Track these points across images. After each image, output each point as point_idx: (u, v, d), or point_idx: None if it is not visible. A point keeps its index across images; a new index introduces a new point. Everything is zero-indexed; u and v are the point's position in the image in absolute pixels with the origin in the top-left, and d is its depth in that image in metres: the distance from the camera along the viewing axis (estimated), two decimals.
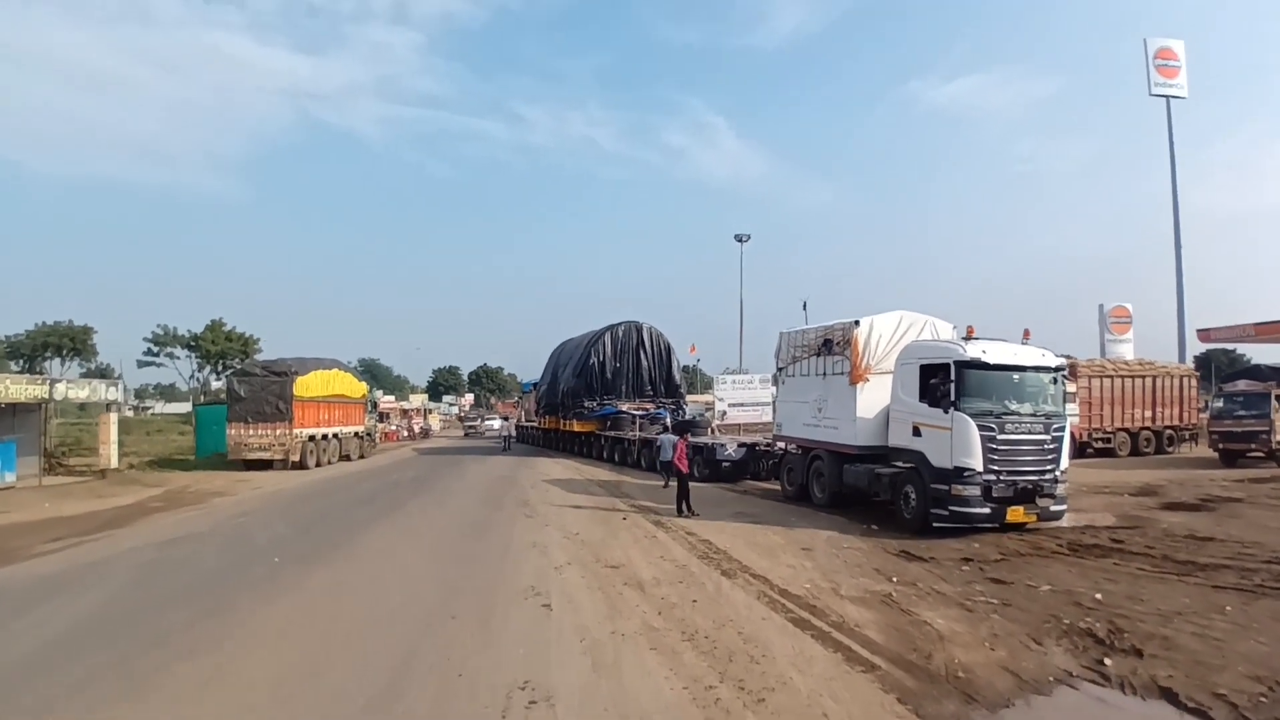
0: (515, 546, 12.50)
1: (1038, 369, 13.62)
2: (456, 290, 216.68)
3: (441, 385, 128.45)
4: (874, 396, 15.47)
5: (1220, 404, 26.87)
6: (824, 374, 17.01)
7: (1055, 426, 13.38)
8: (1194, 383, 33.77)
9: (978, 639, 7.45)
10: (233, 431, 28.26)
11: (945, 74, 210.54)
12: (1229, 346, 62.50)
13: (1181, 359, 41.13)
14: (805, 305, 41.56)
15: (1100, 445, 29.62)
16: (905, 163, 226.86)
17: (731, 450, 22.84)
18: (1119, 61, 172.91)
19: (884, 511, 15.33)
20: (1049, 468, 13.24)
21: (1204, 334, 50.16)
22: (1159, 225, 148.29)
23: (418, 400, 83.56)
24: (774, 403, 22.71)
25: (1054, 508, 13.26)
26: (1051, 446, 13.28)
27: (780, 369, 19.52)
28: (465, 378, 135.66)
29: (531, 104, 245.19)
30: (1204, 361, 51.55)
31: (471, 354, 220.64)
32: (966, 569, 10.61)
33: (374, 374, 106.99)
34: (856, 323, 15.86)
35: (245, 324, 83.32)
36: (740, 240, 46.49)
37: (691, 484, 20.86)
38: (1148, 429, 30.85)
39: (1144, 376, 31.25)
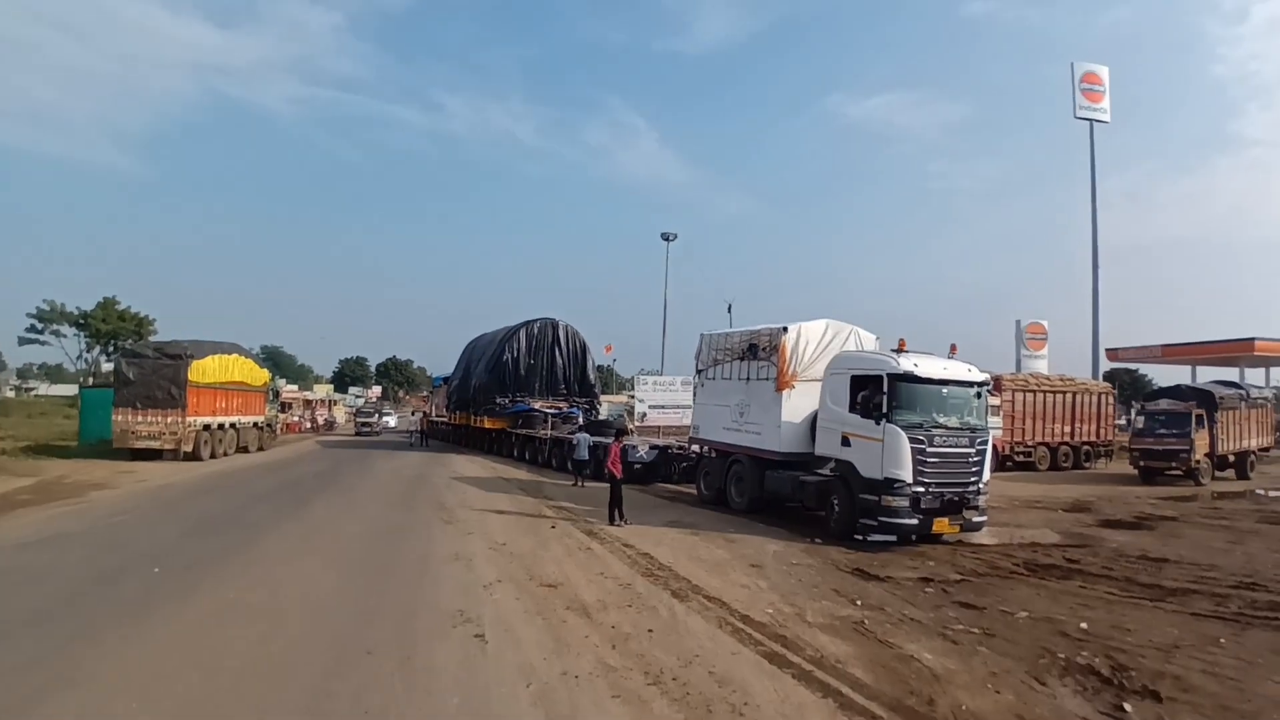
0: (435, 558, 11.00)
1: (965, 383, 13.72)
2: (366, 280, 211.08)
3: (348, 376, 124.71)
4: (799, 403, 15.43)
5: (1142, 422, 27.17)
6: (747, 378, 16.84)
7: (979, 440, 13.54)
8: (1111, 400, 34.36)
9: (976, 679, 6.55)
10: (119, 418, 25.84)
11: (865, 89, 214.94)
12: (1132, 366, 64.73)
13: (1095, 376, 41.84)
14: (730, 307, 41.29)
15: (1021, 459, 29.74)
16: (824, 174, 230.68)
17: (643, 452, 22.25)
18: (1026, 93, 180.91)
19: (808, 519, 15.33)
20: (973, 480, 13.41)
21: (1112, 353, 51.87)
22: (1060, 247, 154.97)
23: (322, 391, 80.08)
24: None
25: (976, 519, 13.42)
26: (976, 459, 13.46)
27: (699, 371, 19.14)
28: (373, 369, 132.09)
29: (451, 93, 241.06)
30: (1107, 379, 53.09)
31: (380, 345, 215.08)
32: (930, 591, 9.92)
33: (277, 362, 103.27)
34: (785, 329, 15.74)
35: (141, 304, 78.32)
36: (667, 239, 45.77)
37: (598, 485, 20.41)
38: (1067, 444, 31.25)
39: (1065, 392, 31.62)
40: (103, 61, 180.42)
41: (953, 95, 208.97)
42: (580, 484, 21.06)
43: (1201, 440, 25.60)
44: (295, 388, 71.91)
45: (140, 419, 25.79)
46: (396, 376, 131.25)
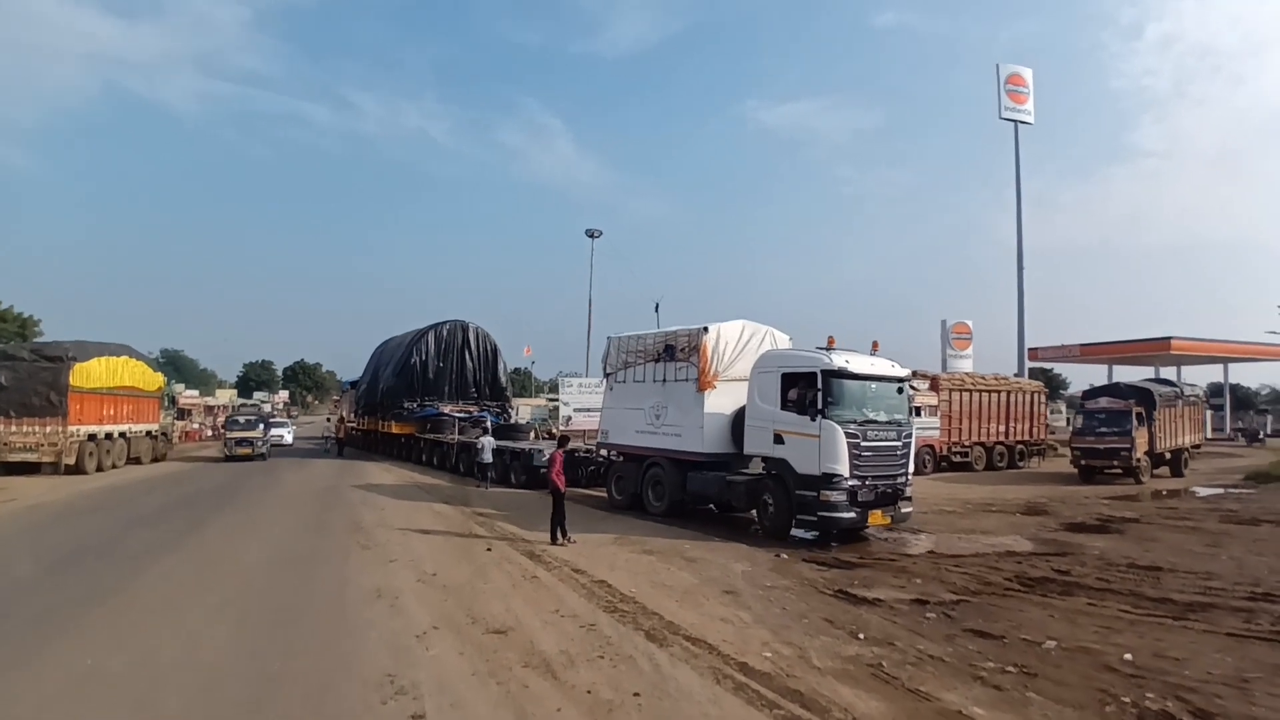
0: (354, 597, 8.95)
1: (890, 379, 14.15)
2: (272, 282, 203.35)
3: (253, 381, 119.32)
4: (720, 403, 15.47)
5: (1081, 421, 26.75)
6: (664, 380, 16.67)
7: (905, 434, 13.95)
8: (1043, 399, 34.23)
9: None
10: None
11: (779, 95, 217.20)
12: (1047, 365, 65.84)
13: (1021, 375, 41.83)
14: (658, 306, 39.89)
15: (958, 459, 29.23)
16: (739, 178, 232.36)
17: (549, 456, 21.02)
18: (936, 101, 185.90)
19: (728, 521, 15.82)
20: (902, 472, 13.85)
21: (1032, 352, 52.28)
22: (969, 251, 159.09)
23: (225, 396, 76.18)
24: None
25: (904, 510, 13.96)
26: (903, 452, 13.85)
27: (608, 375, 18.81)
28: (280, 374, 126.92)
29: (363, 91, 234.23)
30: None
31: (288, 349, 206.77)
32: (931, 616, 8.69)
33: (177, 366, 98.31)
34: (705, 329, 15.71)
35: (31, 306, 72.84)
36: (591, 235, 44.13)
37: (504, 490, 21.17)
38: (1002, 444, 30.94)
39: (999, 391, 31.27)
40: None
41: (864, 102, 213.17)
42: (486, 487, 21.40)
43: (1141, 438, 25.36)
44: (196, 393, 67.72)
45: (14, 429, 23.15)
46: (304, 381, 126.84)
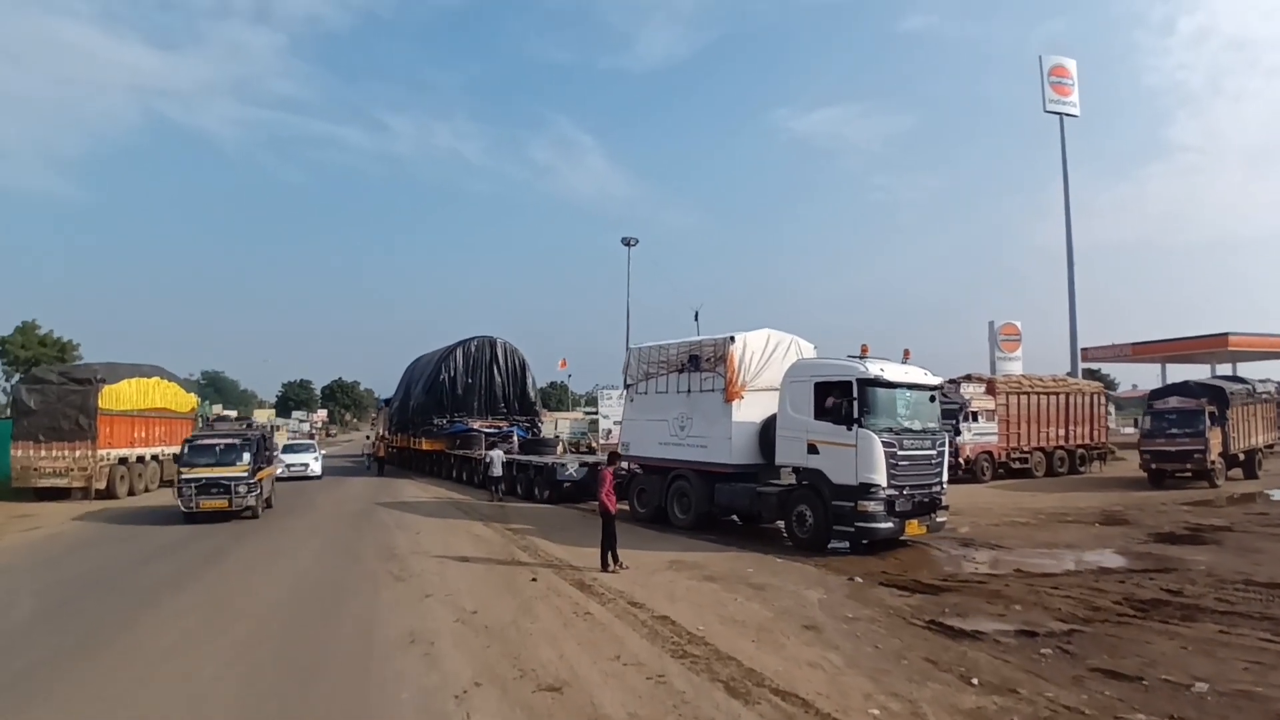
0: (384, 643, 7.86)
1: (924, 387, 14.02)
2: (311, 302, 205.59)
3: (292, 400, 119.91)
4: (746, 413, 15.25)
5: (1150, 422, 25.11)
6: (688, 390, 16.37)
7: (939, 442, 13.94)
8: (1103, 400, 32.64)
9: None
10: (19, 453, 22.38)
11: (809, 103, 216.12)
12: (1096, 366, 63.79)
13: (1074, 376, 40.13)
14: (697, 315, 38.90)
15: (1017, 465, 27.75)
16: (771, 187, 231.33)
17: (573, 470, 21.55)
18: (965, 107, 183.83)
19: (752, 533, 15.58)
20: (937, 481, 13.78)
21: (1082, 352, 50.46)
22: (1004, 254, 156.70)
23: (264, 416, 76.10)
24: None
25: (939, 519, 13.86)
26: (938, 461, 13.81)
27: (628, 386, 18.66)
28: (318, 392, 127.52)
29: (396, 113, 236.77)
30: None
31: (326, 368, 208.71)
32: (1047, 652, 7.48)
33: (218, 387, 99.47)
34: (731, 339, 15.50)
35: (77, 332, 73.47)
36: (628, 244, 43.11)
37: (529, 505, 21.08)
38: (1062, 448, 29.47)
39: (1058, 393, 29.76)
40: (40, 85, 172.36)
41: (895, 108, 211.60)
42: (495, 500, 21.72)
43: (1215, 439, 23.75)
44: (234, 413, 67.54)
45: (44, 454, 22.50)
46: (343, 399, 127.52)
